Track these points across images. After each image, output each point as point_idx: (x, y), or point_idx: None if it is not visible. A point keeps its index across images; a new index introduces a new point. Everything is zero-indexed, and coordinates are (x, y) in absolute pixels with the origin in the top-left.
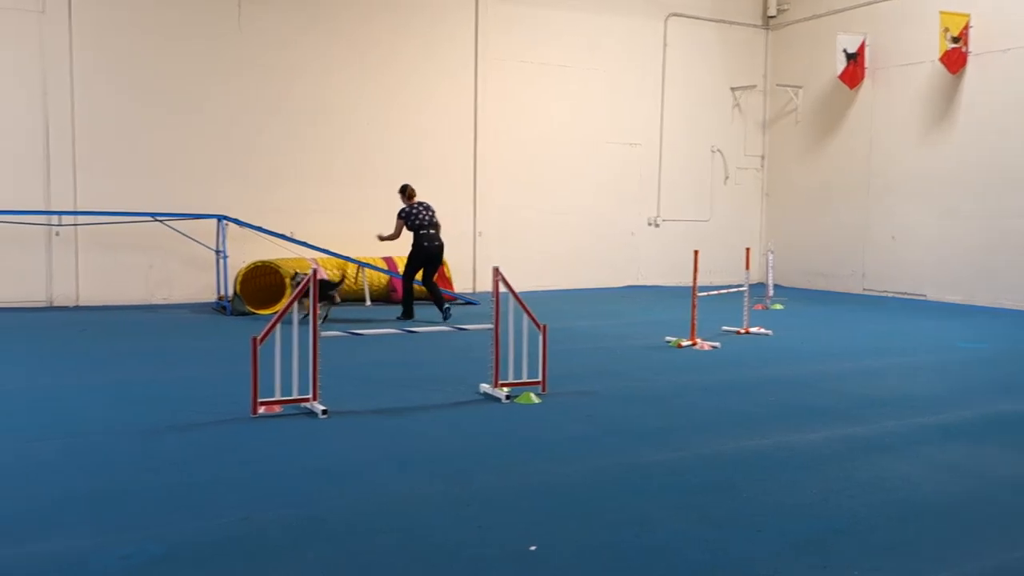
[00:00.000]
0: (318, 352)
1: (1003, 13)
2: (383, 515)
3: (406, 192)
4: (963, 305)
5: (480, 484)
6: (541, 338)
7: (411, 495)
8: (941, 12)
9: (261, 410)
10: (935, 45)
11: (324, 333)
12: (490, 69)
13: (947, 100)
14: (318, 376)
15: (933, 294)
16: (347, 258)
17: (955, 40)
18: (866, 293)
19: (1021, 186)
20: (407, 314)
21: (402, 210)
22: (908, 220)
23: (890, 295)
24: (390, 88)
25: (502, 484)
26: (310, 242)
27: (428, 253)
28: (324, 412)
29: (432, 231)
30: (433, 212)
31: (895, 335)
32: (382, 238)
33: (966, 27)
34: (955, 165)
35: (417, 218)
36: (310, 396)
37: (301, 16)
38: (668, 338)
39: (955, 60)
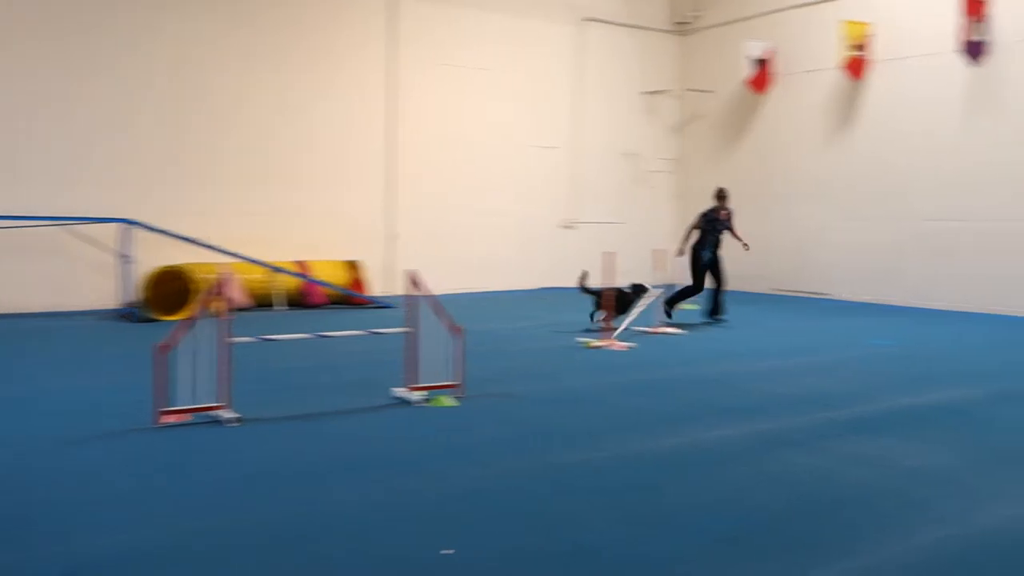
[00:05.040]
0: (229, 359)
1: (903, 22)
2: (299, 523)
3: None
4: (869, 304)
5: (399, 489)
6: (457, 341)
7: (328, 502)
8: (843, 21)
9: (169, 419)
10: (839, 52)
11: (235, 339)
12: (408, 71)
13: (850, 106)
14: (229, 383)
15: (839, 293)
16: (258, 262)
17: (857, 48)
18: (773, 293)
19: (921, 189)
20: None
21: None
22: (814, 221)
23: (797, 295)
24: (306, 90)
25: (420, 488)
26: (225, 246)
27: None
28: (236, 420)
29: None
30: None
31: (803, 333)
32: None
33: (867, 35)
34: (858, 168)
35: None
36: (221, 404)
37: (215, 14)
38: (583, 339)
39: (857, 67)
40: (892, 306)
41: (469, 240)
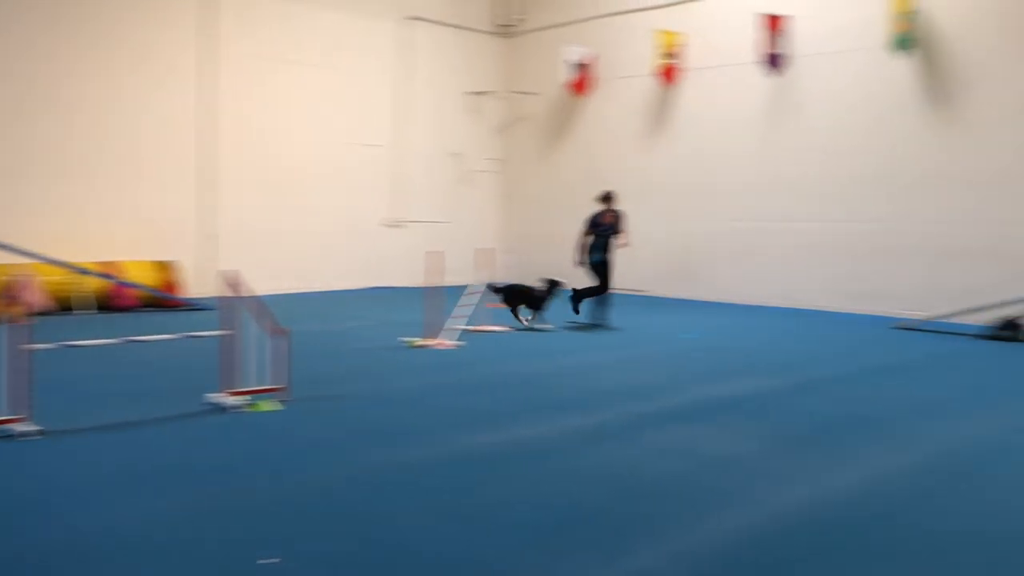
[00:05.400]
0: (27, 367)
1: (711, 33)
2: (98, 539)
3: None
4: (683, 300)
5: (217, 497)
6: (281, 343)
7: (132, 515)
8: (657, 30)
9: None
10: (653, 60)
11: (34, 346)
12: (227, 66)
13: (664, 111)
14: (28, 393)
15: (655, 290)
16: (59, 262)
17: (669, 56)
18: None
19: (728, 190)
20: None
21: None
22: (632, 221)
23: (617, 292)
24: (116, 83)
25: (241, 495)
26: (25, 245)
27: None
28: (37, 432)
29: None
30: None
31: (621, 330)
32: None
33: (679, 44)
34: (672, 170)
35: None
36: (18, 416)
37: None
38: (409, 338)
39: (670, 74)
40: (704, 302)
41: (293, 239)
